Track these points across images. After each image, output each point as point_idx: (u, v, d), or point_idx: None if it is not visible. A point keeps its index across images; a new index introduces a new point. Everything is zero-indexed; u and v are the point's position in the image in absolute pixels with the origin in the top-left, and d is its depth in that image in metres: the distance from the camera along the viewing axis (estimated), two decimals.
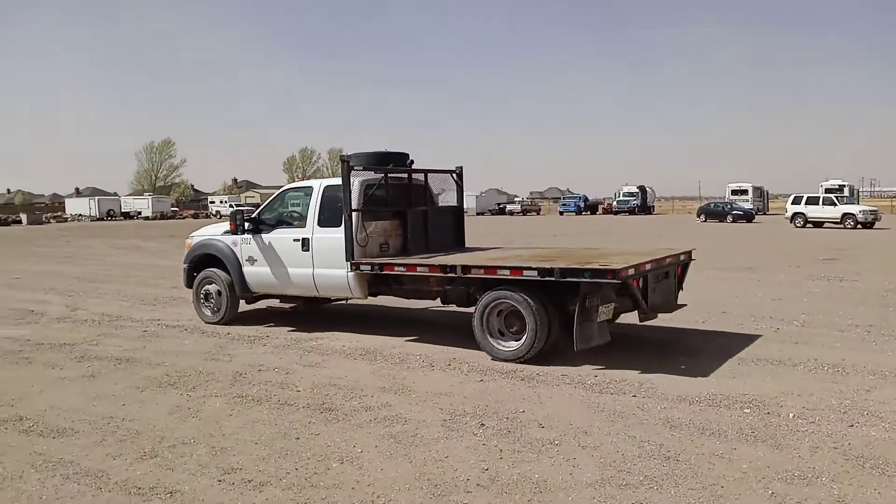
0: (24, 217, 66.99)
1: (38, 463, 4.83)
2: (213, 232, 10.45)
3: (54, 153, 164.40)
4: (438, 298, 8.64)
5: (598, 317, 7.11)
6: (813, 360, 7.31)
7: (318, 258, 9.08)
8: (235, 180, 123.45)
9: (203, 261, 10.34)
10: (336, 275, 8.86)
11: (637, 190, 67.07)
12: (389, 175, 9.40)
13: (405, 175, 9.68)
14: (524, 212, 76.35)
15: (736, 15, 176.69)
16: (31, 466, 4.76)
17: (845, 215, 35.22)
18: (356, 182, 8.84)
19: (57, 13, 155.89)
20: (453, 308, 9.05)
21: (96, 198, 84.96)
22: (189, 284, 10.48)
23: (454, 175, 10.45)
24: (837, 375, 6.72)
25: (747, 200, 54.81)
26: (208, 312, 10.25)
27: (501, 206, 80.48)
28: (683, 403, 5.91)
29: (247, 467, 4.70)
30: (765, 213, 58.14)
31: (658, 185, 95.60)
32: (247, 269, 9.81)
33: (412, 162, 9.76)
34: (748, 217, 45.77)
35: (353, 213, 8.63)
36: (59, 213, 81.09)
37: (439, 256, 8.72)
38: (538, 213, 76.53)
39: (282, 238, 9.45)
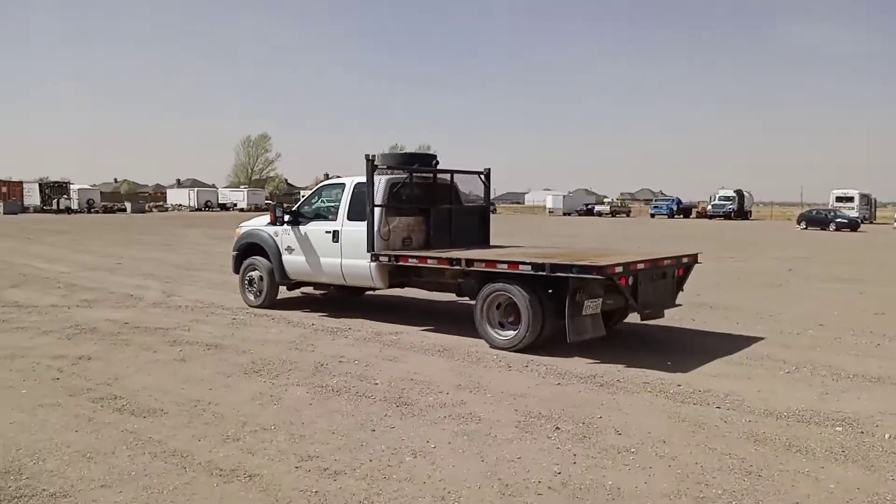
0: (128, 206, 70.65)
1: (129, 440, 5.08)
2: (259, 223, 11.25)
3: (160, 145, 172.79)
4: (455, 292, 9.29)
5: (585, 310, 7.54)
6: None
7: (346, 249, 9.77)
8: (327, 175, 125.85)
9: (249, 249, 11.14)
10: (360, 265, 9.54)
11: (734, 194, 64.62)
12: (415, 175, 10.05)
13: (430, 175, 10.28)
14: (613, 213, 74.95)
15: (870, 15, 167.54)
16: (123, 443, 5.01)
17: None
18: (382, 180, 9.55)
19: (169, 11, 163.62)
20: None
21: (195, 189, 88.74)
22: (236, 270, 11.34)
23: (481, 176, 10.99)
24: None
25: (853, 208, 52.06)
26: (251, 296, 11.09)
27: (589, 206, 79.36)
28: (770, 418, 5.67)
29: (323, 456, 4.80)
30: (871, 222, 54.99)
31: (757, 190, 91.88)
32: (285, 258, 10.60)
33: (437, 163, 10.46)
34: (853, 226, 43.43)
35: (376, 209, 9.32)
36: (161, 203, 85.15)
37: (454, 251, 9.24)
38: (628, 215, 74.99)
39: (316, 230, 10.20)
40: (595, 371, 7.12)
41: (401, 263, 9.15)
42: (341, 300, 11.44)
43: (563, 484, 4.35)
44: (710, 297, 12.65)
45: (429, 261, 8.85)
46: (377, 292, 11.01)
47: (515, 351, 7.85)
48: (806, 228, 44.54)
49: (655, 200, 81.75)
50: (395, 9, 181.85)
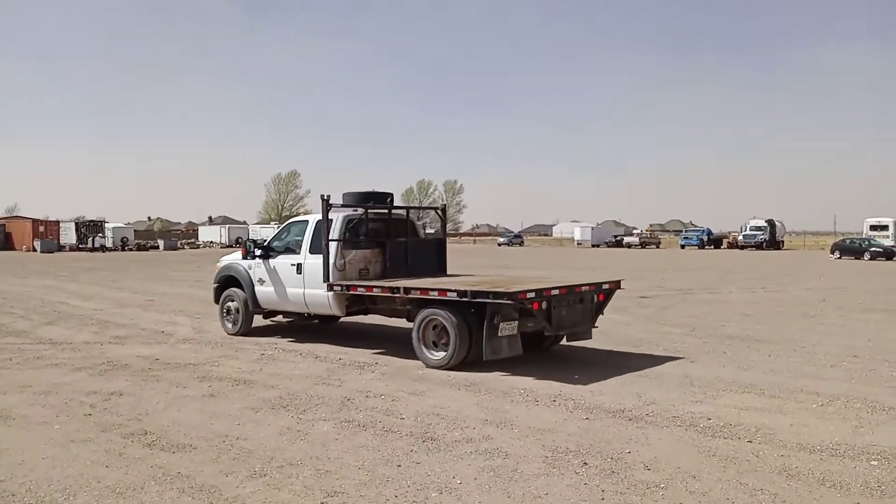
0: (161, 243, 71.78)
1: (158, 475, 5.13)
2: (236, 257, 12.11)
3: (192, 183, 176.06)
4: (405, 317, 9.90)
5: (501, 332, 8.37)
6: None
7: (308, 280, 10.61)
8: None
9: (227, 281, 12.08)
10: (320, 294, 10.34)
11: (765, 224, 63.85)
12: (372, 210, 10.89)
13: (385, 211, 11.13)
14: (643, 244, 74.28)
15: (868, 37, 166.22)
16: (152, 478, 5.06)
17: None
18: (339, 217, 10.49)
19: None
20: (561, 346, 8.96)
21: (227, 226, 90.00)
22: (217, 301, 12.28)
23: (438, 211, 12.26)
24: None
25: (888, 236, 51.07)
26: (229, 325, 11.99)
27: (618, 238, 78.79)
28: (803, 452, 5.56)
29: (349, 491, 4.80)
30: None
31: (789, 219, 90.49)
32: (257, 289, 11.49)
33: (392, 200, 11.34)
34: (888, 255, 42.59)
35: (332, 243, 10.20)
36: (193, 240, 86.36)
37: (402, 280, 10.02)
38: (658, 246, 74.30)
39: (283, 263, 11.09)
40: (624, 405, 7.04)
41: (352, 292, 10.00)
42: (366, 335, 11.48)
43: None
44: (742, 328, 12.47)
45: (374, 289, 9.72)
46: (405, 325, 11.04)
47: (446, 369, 8.68)
48: (840, 258, 43.81)
49: (685, 231, 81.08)
50: (420, 39, 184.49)
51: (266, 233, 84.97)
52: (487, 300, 8.36)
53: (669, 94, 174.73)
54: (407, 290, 9.30)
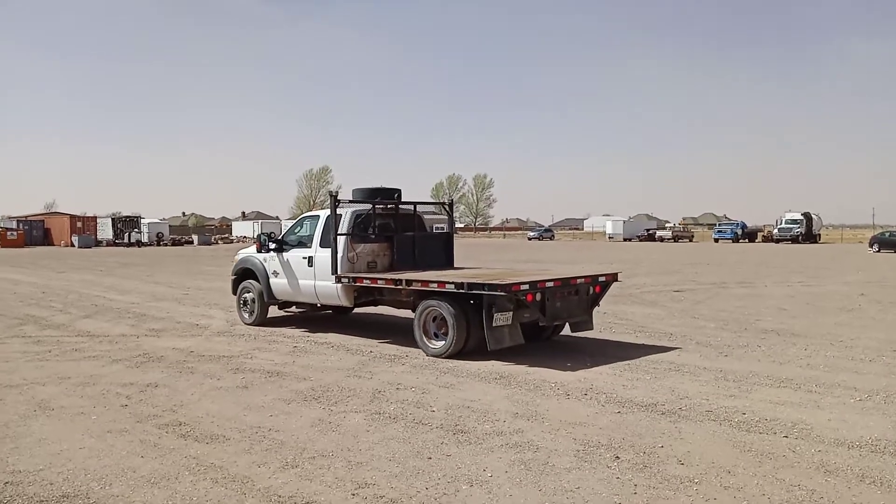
0: (195, 238, 72.78)
1: (192, 466, 5.19)
2: (253, 251, 12.54)
3: (228, 179, 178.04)
4: (411, 309, 10.04)
5: (495, 321, 8.67)
6: None
7: (318, 272, 11.05)
8: None
9: (244, 273, 12.65)
10: (329, 285, 10.75)
11: (801, 217, 62.66)
12: (380, 206, 11.27)
13: (393, 206, 11.49)
14: (675, 238, 73.40)
15: None
16: (186, 469, 5.13)
17: None
18: (348, 212, 10.94)
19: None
20: (590, 335, 8.87)
21: (259, 221, 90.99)
22: (234, 292, 12.87)
23: (445, 207, 12.72)
24: None
25: None
26: (246, 315, 12.56)
27: (651, 231, 77.98)
28: (841, 448, 5.44)
29: (380, 483, 4.81)
30: None
31: (825, 212, 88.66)
32: (272, 281, 12.00)
33: (399, 196, 11.56)
34: None
35: (340, 237, 10.61)
36: (227, 235, 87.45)
37: (408, 272, 10.41)
38: (690, 240, 73.35)
39: (295, 256, 11.55)
40: (656, 399, 6.97)
41: (359, 284, 10.35)
42: (395, 326, 11.51)
43: None
44: (777, 322, 12.26)
45: (378, 281, 10.08)
46: None
47: (445, 357, 9.00)
48: (879, 251, 42.81)
49: (719, 225, 79.80)
50: (449, 36, 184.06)
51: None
52: (483, 292, 8.68)
53: (703, 86, 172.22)
54: (409, 282, 9.67)
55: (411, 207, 11.89)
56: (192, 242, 71.07)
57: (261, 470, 5.10)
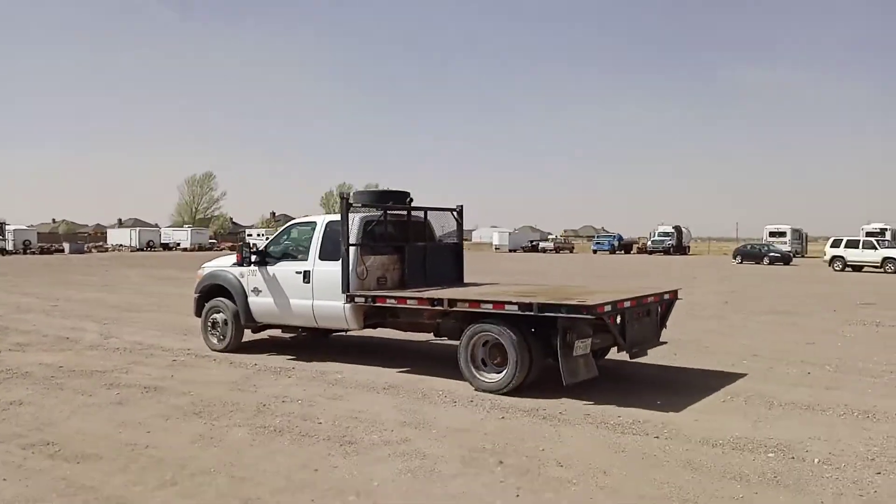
0: (66, 246, 68.57)
1: (60, 488, 4.92)
2: (223, 263, 10.87)
3: (101, 185, 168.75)
4: (433, 332, 8.98)
5: (575, 351, 7.34)
6: (843, 405, 7.16)
7: (318, 290, 9.44)
8: (273, 214, 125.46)
9: (212, 291, 10.76)
10: (333, 306, 9.21)
11: (672, 230, 66.43)
12: (389, 212, 9.86)
13: (404, 212, 10.11)
14: (557, 249, 75.98)
15: (784, 54, 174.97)
16: (54, 491, 4.85)
17: (886, 259, 34.52)
18: (355, 218, 9.37)
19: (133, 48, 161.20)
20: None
21: (137, 229, 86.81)
22: (198, 313, 10.86)
23: (454, 213, 10.81)
24: (867, 421, 6.57)
25: (785, 242, 53.92)
26: (215, 340, 10.60)
27: (534, 243, 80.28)
28: (706, 446, 5.83)
29: (264, 498, 4.73)
30: (803, 256, 57.03)
31: (694, 226, 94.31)
32: (252, 300, 10.19)
33: (411, 200, 10.11)
34: (785, 259, 44.96)
35: (351, 248, 9.08)
36: (101, 243, 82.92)
37: (432, 290, 8.99)
38: (571, 251, 76.12)
39: (285, 270, 9.85)
40: (539, 404, 7.20)
41: (379, 304, 8.85)
42: (283, 340, 11.33)
43: None
44: None
45: (409, 301, 8.53)
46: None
47: (503, 394, 7.55)
48: (742, 262, 45.92)
49: (597, 237, 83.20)
50: (335, 39, 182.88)
51: (179, 235, 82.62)
52: (560, 314, 7.28)
53: (581, 104, 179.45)
54: (452, 302, 8.11)
55: (421, 214, 10.40)
56: (62, 251, 66.95)
57: (137, 489, 4.90)
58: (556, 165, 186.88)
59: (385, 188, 9.95)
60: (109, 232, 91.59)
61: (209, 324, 10.68)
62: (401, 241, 9.90)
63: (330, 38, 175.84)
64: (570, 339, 7.29)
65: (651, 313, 8.50)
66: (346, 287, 8.99)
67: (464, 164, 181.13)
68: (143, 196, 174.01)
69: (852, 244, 36.39)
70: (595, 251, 71.48)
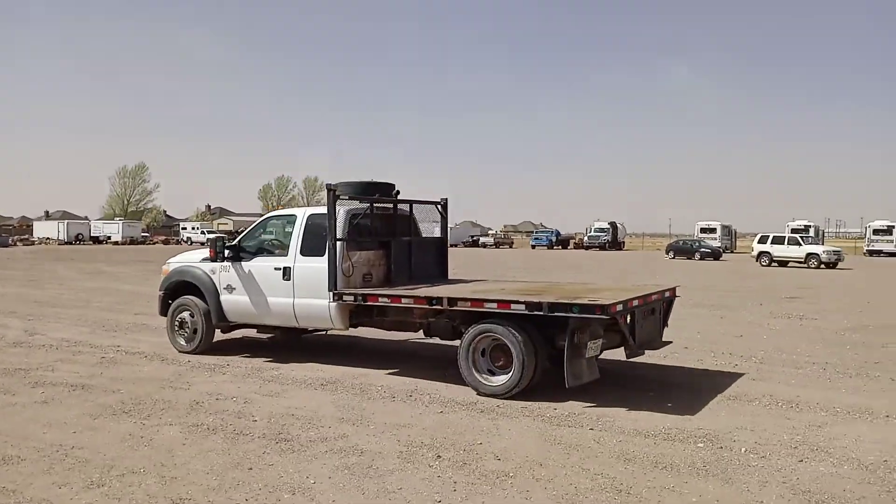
0: None
1: None
2: (191, 259, 10.25)
3: (25, 175, 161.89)
4: (421, 331, 8.66)
5: (587, 352, 7.11)
6: (768, 395, 7.42)
7: (300, 288, 8.93)
8: (209, 207, 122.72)
9: (179, 288, 10.11)
10: (317, 305, 8.74)
11: (608, 226, 67.82)
12: (375, 205, 9.38)
13: (390, 205, 9.71)
14: (497, 244, 76.75)
15: (710, 57, 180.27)
16: None
17: (809, 255, 35.99)
18: (341, 211, 8.84)
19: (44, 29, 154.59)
20: (422, 339, 9.05)
21: (65, 221, 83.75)
22: (163, 312, 10.18)
23: (439, 207, 10.45)
24: (791, 411, 6.82)
25: (715, 238, 55.64)
26: (182, 341, 9.96)
27: (475, 238, 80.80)
28: (639, 437, 5.96)
29: (196, 498, 4.63)
30: (732, 252, 59.03)
31: (629, 222, 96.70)
32: (224, 298, 9.62)
33: (398, 192, 9.76)
34: (715, 255, 46.43)
35: (338, 243, 8.57)
36: (27, 237, 79.75)
37: (424, 288, 8.68)
38: (511, 246, 76.97)
39: (262, 266, 9.30)
40: (477, 398, 7.24)
41: (370, 303, 8.36)
42: (220, 338, 11.10)
43: None
44: None
45: (403, 300, 8.06)
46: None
47: (508, 398, 7.22)
48: (674, 258, 47.18)
49: (536, 232, 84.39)
50: (275, 23, 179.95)
51: (110, 228, 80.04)
52: (571, 314, 6.95)
53: (528, 101, 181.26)
54: (452, 301, 7.70)
55: (407, 207, 9.97)
56: None
57: (62, 491, 4.73)
58: (496, 164, 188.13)
59: (371, 180, 9.46)
60: (36, 224, 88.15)
61: (176, 323, 10.01)
62: (386, 236, 9.50)
63: (248, 37, 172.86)
64: (581, 339, 7.03)
65: (655, 311, 8.33)
66: (332, 285, 8.52)
67: (405, 158, 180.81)
68: (71, 187, 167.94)
69: (778, 240, 37.82)
70: (534, 246, 72.40)
